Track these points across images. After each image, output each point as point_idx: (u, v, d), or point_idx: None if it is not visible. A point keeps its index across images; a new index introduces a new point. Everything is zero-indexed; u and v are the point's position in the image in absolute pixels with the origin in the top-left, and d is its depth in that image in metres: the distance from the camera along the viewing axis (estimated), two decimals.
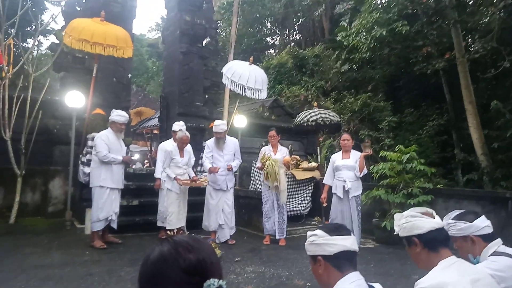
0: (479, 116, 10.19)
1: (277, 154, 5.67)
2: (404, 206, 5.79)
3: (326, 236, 1.47)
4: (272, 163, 5.49)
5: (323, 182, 5.67)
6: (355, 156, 5.32)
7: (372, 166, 6.38)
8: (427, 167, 5.91)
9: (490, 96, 10.94)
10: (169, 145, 5.63)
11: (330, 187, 5.50)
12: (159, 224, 5.67)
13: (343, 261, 1.44)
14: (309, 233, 1.57)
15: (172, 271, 0.82)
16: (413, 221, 1.66)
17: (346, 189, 5.26)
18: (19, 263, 4.18)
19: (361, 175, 5.29)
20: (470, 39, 11.18)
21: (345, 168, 5.31)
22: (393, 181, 6.13)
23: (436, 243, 1.62)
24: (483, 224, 1.94)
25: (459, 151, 11.03)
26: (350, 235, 1.49)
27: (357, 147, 10.93)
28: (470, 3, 11.44)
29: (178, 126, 5.83)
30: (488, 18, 10.15)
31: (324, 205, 5.62)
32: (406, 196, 5.80)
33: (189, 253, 0.84)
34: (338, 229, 1.51)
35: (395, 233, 1.78)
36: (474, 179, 10.23)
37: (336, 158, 5.50)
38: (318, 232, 1.51)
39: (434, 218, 1.68)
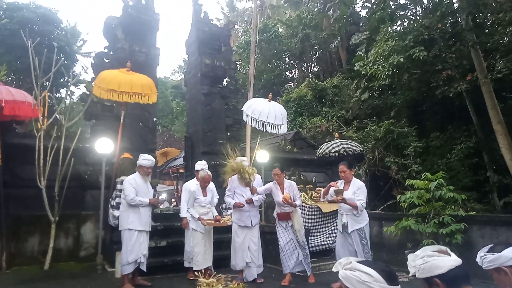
0: (510, 135, 9.85)
1: (285, 193, 5.43)
2: (436, 236, 5.57)
3: (384, 284, 1.37)
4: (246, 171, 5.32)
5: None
6: (354, 187, 5.06)
7: (399, 195, 6.22)
8: (456, 194, 5.70)
9: None
10: (192, 184, 5.74)
11: None
12: (186, 264, 5.68)
13: None
14: (356, 265, 1.45)
15: None
16: (431, 261, 1.61)
17: (343, 223, 5.06)
18: None
19: (358, 213, 4.97)
20: (491, 60, 11.01)
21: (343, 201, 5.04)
22: (423, 210, 5.94)
23: (458, 282, 1.58)
24: None
25: (493, 173, 10.60)
26: (399, 284, 1.42)
27: (384, 175, 10.71)
28: (488, 24, 11.40)
29: (200, 165, 5.95)
30: (508, 37, 10.05)
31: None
32: (437, 225, 5.58)
33: None
34: (393, 277, 1.41)
35: (410, 275, 1.72)
36: None
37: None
38: (375, 274, 1.39)
39: (450, 255, 1.64)
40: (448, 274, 1.57)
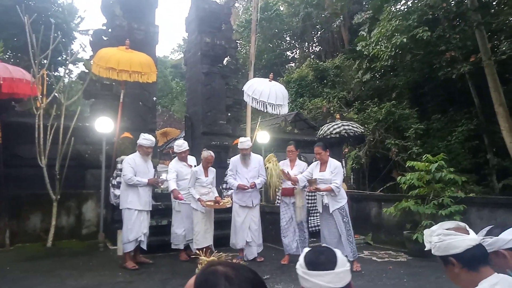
0: None
1: (294, 169, 5.54)
2: (435, 217, 5.62)
3: (304, 269, 1.32)
4: (272, 166, 5.54)
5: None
6: (331, 167, 5.03)
7: (400, 177, 6.24)
8: (456, 176, 5.72)
9: None
10: (177, 163, 5.79)
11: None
12: (173, 246, 5.75)
13: None
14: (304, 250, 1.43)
15: None
16: (447, 240, 1.55)
17: (324, 203, 5.05)
18: (57, 285, 4.36)
19: (337, 194, 4.96)
20: (496, 41, 10.84)
21: (322, 182, 4.99)
22: (423, 191, 5.97)
23: (475, 262, 1.52)
24: (510, 236, 1.87)
25: (492, 156, 10.60)
26: (333, 269, 1.29)
27: (384, 157, 10.73)
28: (494, 3, 11.16)
29: (177, 146, 5.85)
30: None
31: None
32: (436, 207, 5.62)
33: None
34: (318, 261, 1.31)
35: (426, 249, 1.69)
36: (511, 184, 9.80)
37: (314, 169, 5.21)
38: (301, 259, 1.35)
39: (468, 233, 1.56)
40: (465, 254, 1.52)
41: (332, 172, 5.02)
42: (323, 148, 5.15)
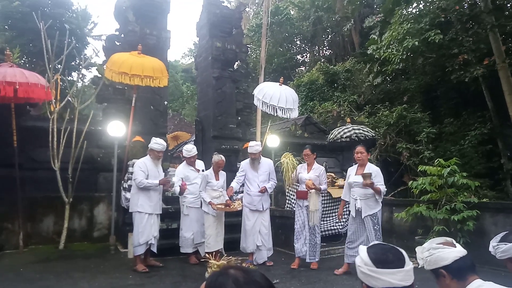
0: None
1: (310, 172, 5.54)
2: (447, 222, 5.54)
3: (372, 267, 1.32)
4: (287, 162, 5.98)
5: (341, 197, 5.41)
6: (370, 171, 4.94)
7: (411, 181, 6.16)
8: (470, 181, 5.61)
9: None
10: (185, 168, 5.84)
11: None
12: (183, 250, 5.72)
13: None
14: (360, 248, 1.43)
15: None
16: (436, 253, 1.65)
17: (356, 208, 4.95)
18: (71, 287, 4.42)
19: (381, 198, 4.88)
20: (510, 43, 10.65)
21: (357, 186, 4.92)
22: (435, 196, 5.88)
23: (463, 272, 1.61)
24: None
25: (507, 160, 10.40)
26: (403, 266, 1.32)
27: (395, 161, 10.62)
28: (508, 5, 11.00)
29: (187, 151, 5.82)
30: None
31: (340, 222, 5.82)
32: (449, 212, 5.53)
33: None
34: (387, 260, 1.32)
35: (419, 266, 1.74)
36: None
37: (351, 173, 5.15)
38: (365, 257, 1.36)
39: (455, 247, 1.66)
40: (453, 265, 1.61)
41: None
42: (366, 149, 5.14)
